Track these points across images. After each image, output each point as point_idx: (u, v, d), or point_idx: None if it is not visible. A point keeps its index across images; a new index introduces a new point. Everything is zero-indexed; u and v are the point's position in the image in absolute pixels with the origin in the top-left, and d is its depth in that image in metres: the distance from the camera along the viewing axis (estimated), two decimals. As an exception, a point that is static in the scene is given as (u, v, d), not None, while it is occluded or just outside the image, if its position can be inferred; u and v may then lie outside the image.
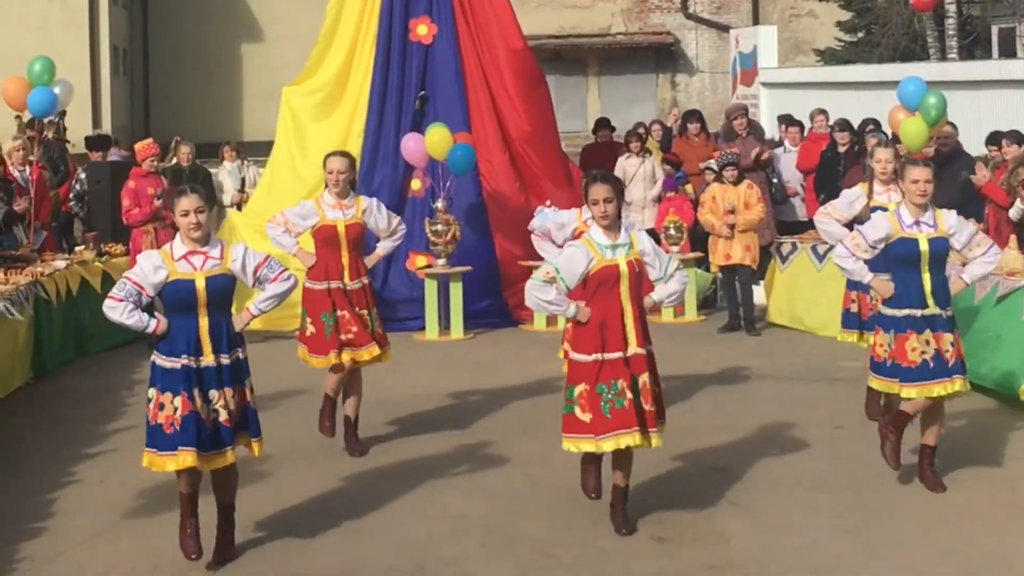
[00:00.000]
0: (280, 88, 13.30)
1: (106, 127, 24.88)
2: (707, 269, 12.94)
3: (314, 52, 13.18)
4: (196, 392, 5.90)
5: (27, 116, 12.21)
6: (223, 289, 6.02)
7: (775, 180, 13.81)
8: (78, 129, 22.43)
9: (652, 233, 13.17)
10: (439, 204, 11.97)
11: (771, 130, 16.47)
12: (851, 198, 8.57)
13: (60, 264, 10.91)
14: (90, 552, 6.27)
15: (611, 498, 6.48)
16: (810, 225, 13.57)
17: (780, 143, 14.60)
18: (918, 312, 6.90)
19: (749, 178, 12.32)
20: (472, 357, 10.99)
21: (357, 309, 7.88)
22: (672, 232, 12.49)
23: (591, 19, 27.48)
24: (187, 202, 5.94)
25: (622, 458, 6.39)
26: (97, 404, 9.41)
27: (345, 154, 8.14)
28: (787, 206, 13.90)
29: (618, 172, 13.80)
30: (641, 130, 14.83)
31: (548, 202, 12.43)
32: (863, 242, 7.02)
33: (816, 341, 11.04)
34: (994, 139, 11.50)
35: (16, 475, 7.58)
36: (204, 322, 5.96)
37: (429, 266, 12.01)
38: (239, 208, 14.36)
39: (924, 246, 6.89)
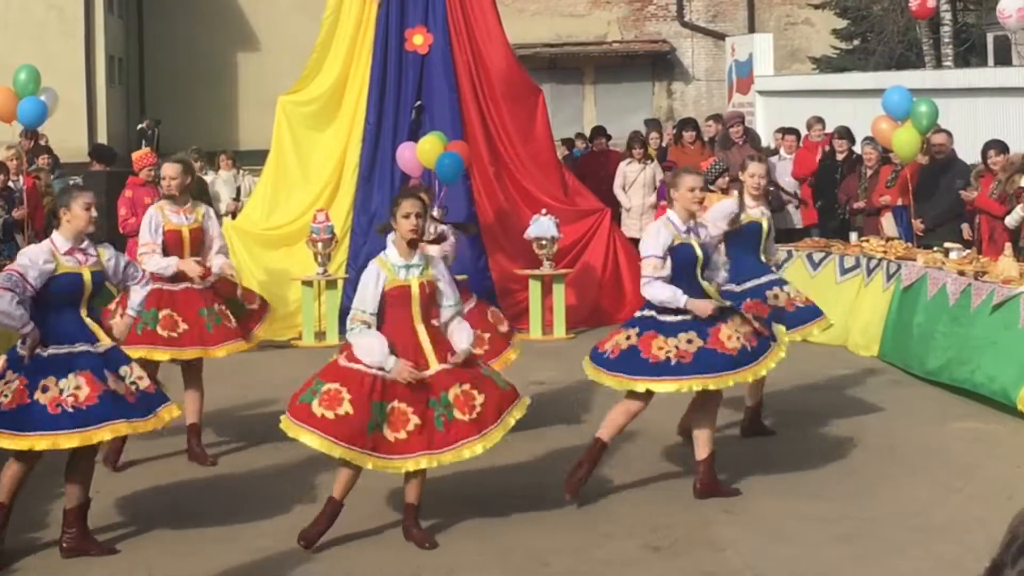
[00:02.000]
0: (276, 97, 13.31)
1: (101, 137, 24.94)
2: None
3: (310, 61, 13.18)
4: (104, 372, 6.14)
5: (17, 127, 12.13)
6: (100, 284, 6.47)
7: (771, 188, 13.82)
8: (73, 139, 22.46)
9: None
10: (434, 213, 11.94)
11: (767, 138, 16.49)
12: (726, 211, 8.32)
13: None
14: (86, 564, 6.25)
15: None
16: (805, 233, 13.64)
17: (776, 151, 14.62)
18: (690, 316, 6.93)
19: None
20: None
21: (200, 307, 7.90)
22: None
23: (587, 27, 27.49)
24: (90, 197, 6.46)
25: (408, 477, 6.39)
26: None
27: (179, 160, 8.36)
28: (783, 214, 13.91)
29: (619, 178, 13.83)
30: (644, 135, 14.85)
31: (544, 211, 12.46)
32: (656, 261, 6.97)
33: (808, 348, 10.98)
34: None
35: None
36: (84, 313, 6.29)
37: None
38: (233, 217, 14.37)
39: (699, 251, 7.05)
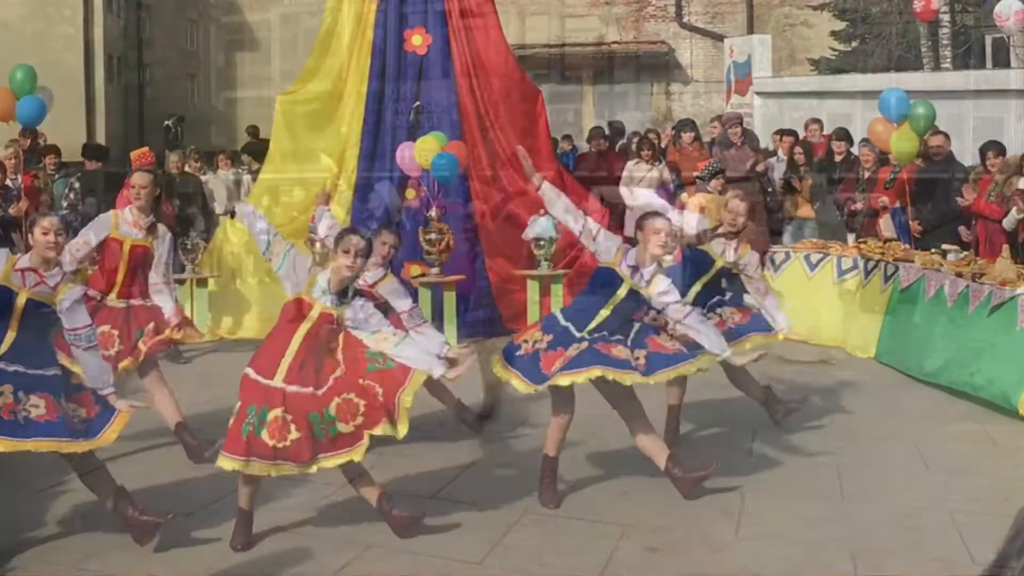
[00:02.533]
0: (275, 97, 13.30)
1: (100, 136, 24.93)
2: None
3: (309, 61, 13.18)
4: None
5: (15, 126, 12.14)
6: (40, 315, 6.15)
7: (769, 189, 13.84)
8: (72, 139, 22.44)
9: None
10: (432, 213, 11.98)
11: (766, 140, 16.51)
12: (700, 218, 8.19)
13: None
14: (85, 564, 6.24)
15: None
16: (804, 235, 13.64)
17: (774, 153, 14.64)
18: (576, 332, 6.83)
19: (744, 187, 12.33)
20: (466, 366, 10.95)
21: (108, 327, 7.82)
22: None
23: (586, 28, 27.50)
24: (49, 223, 6.22)
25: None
26: (90, 413, 9.37)
27: (149, 171, 8.30)
28: (780, 216, 13.93)
29: (625, 178, 13.81)
30: (652, 136, 14.85)
31: (542, 211, 12.46)
32: (593, 226, 6.86)
33: (806, 349, 11.05)
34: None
35: (8, 484, 7.55)
36: (11, 336, 6.09)
37: (423, 275, 12.01)
38: (232, 217, 14.34)
39: (622, 291, 6.79)
